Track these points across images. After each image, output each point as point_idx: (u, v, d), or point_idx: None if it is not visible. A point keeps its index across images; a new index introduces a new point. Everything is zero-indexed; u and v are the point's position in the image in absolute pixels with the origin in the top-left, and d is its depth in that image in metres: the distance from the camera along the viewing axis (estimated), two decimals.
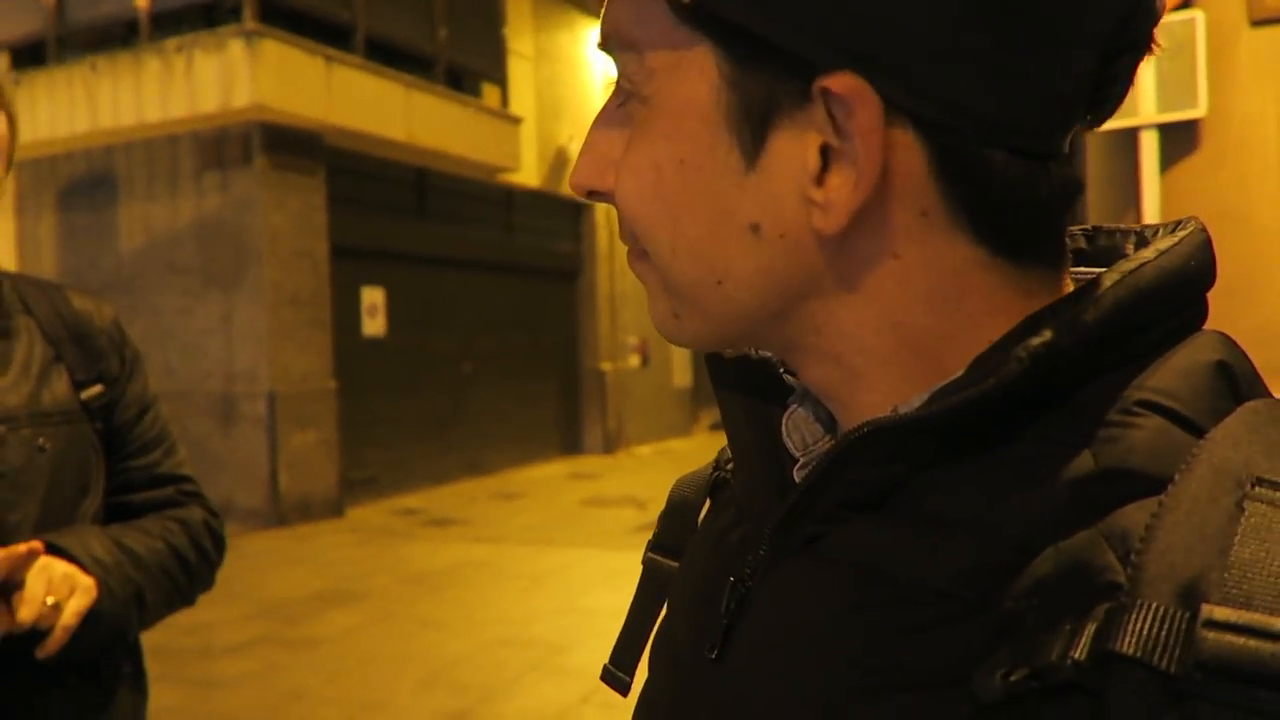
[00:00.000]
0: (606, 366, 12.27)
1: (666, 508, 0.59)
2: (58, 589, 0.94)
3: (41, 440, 1.05)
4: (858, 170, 0.37)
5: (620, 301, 12.59)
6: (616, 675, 0.59)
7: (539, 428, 11.53)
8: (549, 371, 11.74)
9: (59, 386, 1.09)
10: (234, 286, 7.77)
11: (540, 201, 11.41)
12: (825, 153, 0.37)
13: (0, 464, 1.01)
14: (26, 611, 0.91)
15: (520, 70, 10.61)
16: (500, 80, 10.01)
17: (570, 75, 11.87)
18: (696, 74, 0.39)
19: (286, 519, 7.57)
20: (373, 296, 8.95)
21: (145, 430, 1.21)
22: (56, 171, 8.52)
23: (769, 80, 0.37)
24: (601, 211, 12.34)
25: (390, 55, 8.59)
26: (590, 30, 12.19)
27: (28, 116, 8.03)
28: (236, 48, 7.20)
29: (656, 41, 0.40)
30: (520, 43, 10.66)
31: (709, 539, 0.52)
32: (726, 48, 0.38)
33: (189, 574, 1.19)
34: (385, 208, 9.22)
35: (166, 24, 7.76)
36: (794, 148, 0.38)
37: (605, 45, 0.43)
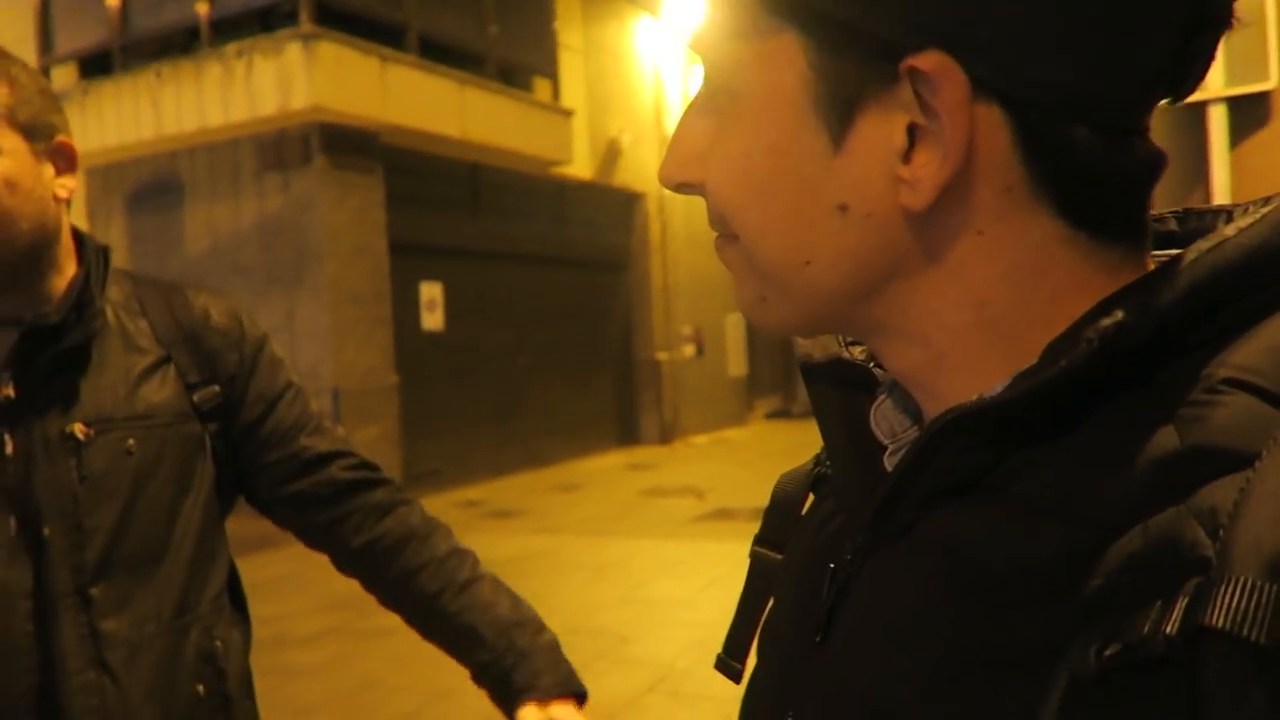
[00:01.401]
0: (662, 357, 12.29)
1: (770, 503, 0.61)
2: None
3: (131, 443, 1.06)
4: (944, 147, 0.37)
5: (674, 292, 12.59)
6: (729, 664, 0.61)
7: (595, 419, 11.60)
8: (604, 363, 11.79)
9: (163, 389, 1.10)
10: (296, 285, 7.93)
11: (592, 194, 11.44)
12: (911, 132, 0.38)
13: (83, 468, 1.02)
14: None
15: (571, 64, 10.64)
16: (551, 74, 10.06)
17: (620, 68, 11.87)
18: (784, 63, 0.40)
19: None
20: (431, 291, 9.08)
21: (281, 420, 1.19)
22: (125, 177, 8.78)
23: (856, 65, 0.38)
24: (654, 203, 12.35)
25: (443, 53, 8.69)
26: (638, 22, 12.16)
27: (96, 124, 8.29)
28: (294, 51, 7.34)
29: (744, 35, 0.41)
30: (570, 36, 10.69)
31: (810, 531, 0.54)
32: (813, 36, 0.39)
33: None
34: (441, 203, 9.33)
35: (226, 30, 7.93)
36: (881, 128, 0.39)
37: (696, 45, 0.44)
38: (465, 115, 8.63)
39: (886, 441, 0.48)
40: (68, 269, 1.08)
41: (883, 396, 0.49)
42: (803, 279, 0.43)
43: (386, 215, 8.31)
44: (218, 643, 1.13)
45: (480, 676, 1.15)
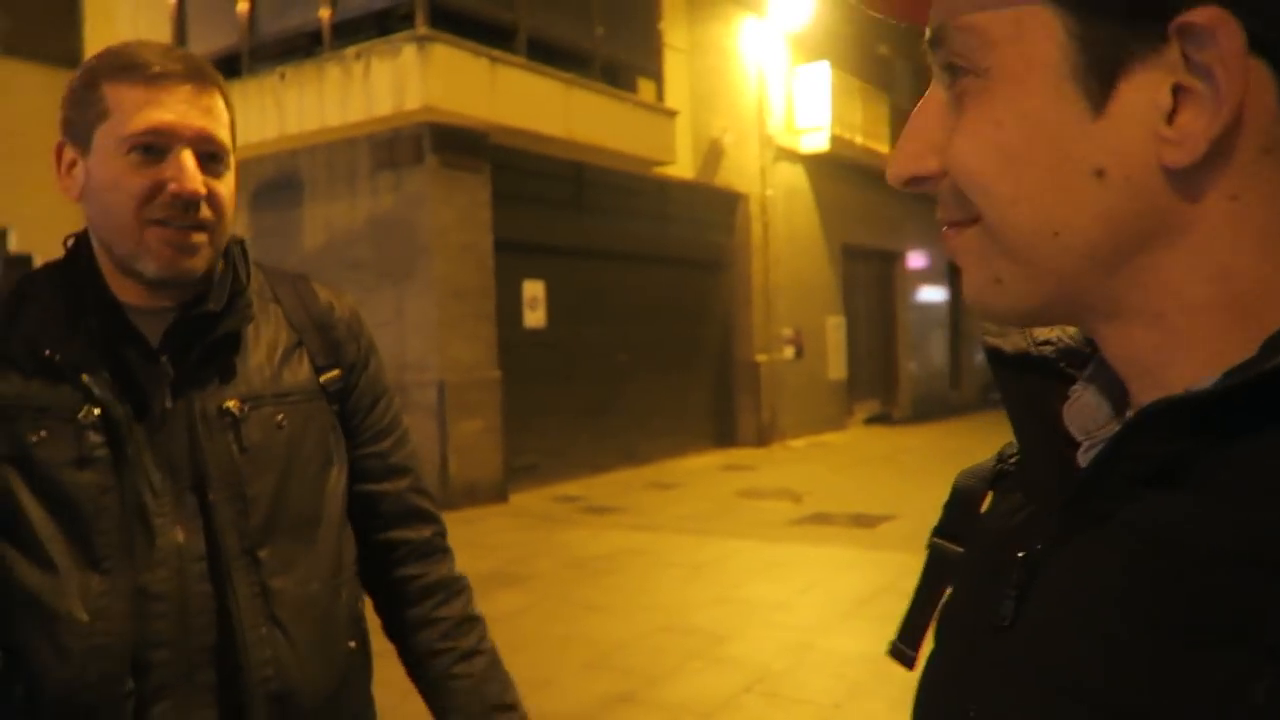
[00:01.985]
0: (760, 358, 12.21)
1: (950, 497, 0.62)
2: None
3: (280, 418, 1.13)
4: (1218, 100, 0.38)
5: (774, 293, 12.49)
6: (903, 651, 0.62)
7: (693, 419, 11.60)
8: (703, 363, 11.79)
9: (300, 369, 1.18)
10: (405, 280, 8.17)
11: (695, 193, 11.45)
12: (1175, 92, 0.39)
13: (242, 440, 1.09)
14: None
15: (675, 63, 10.67)
16: (655, 74, 10.11)
17: (724, 67, 11.84)
18: (1040, 35, 0.41)
19: (455, 503, 7.92)
20: (533, 289, 9.23)
21: (378, 419, 1.27)
22: (248, 175, 9.18)
23: (1117, 28, 0.39)
24: (756, 203, 12.27)
25: (550, 54, 8.82)
26: (743, 21, 12.11)
27: None
28: (409, 53, 7.56)
29: (998, 15, 0.42)
30: (675, 36, 10.72)
31: (994, 523, 0.55)
32: (1072, 6, 0.40)
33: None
34: (545, 202, 9.48)
35: (346, 33, 8.22)
36: (1145, 90, 0.39)
37: (935, 36, 0.45)
38: (570, 116, 8.74)
39: (1080, 438, 0.48)
40: (218, 265, 1.16)
41: (1079, 392, 0.49)
42: (1049, 250, 0.43)
43: (492, 213, 8.49)
44: (360, 604, 1.23)
45: None
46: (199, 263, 1.07)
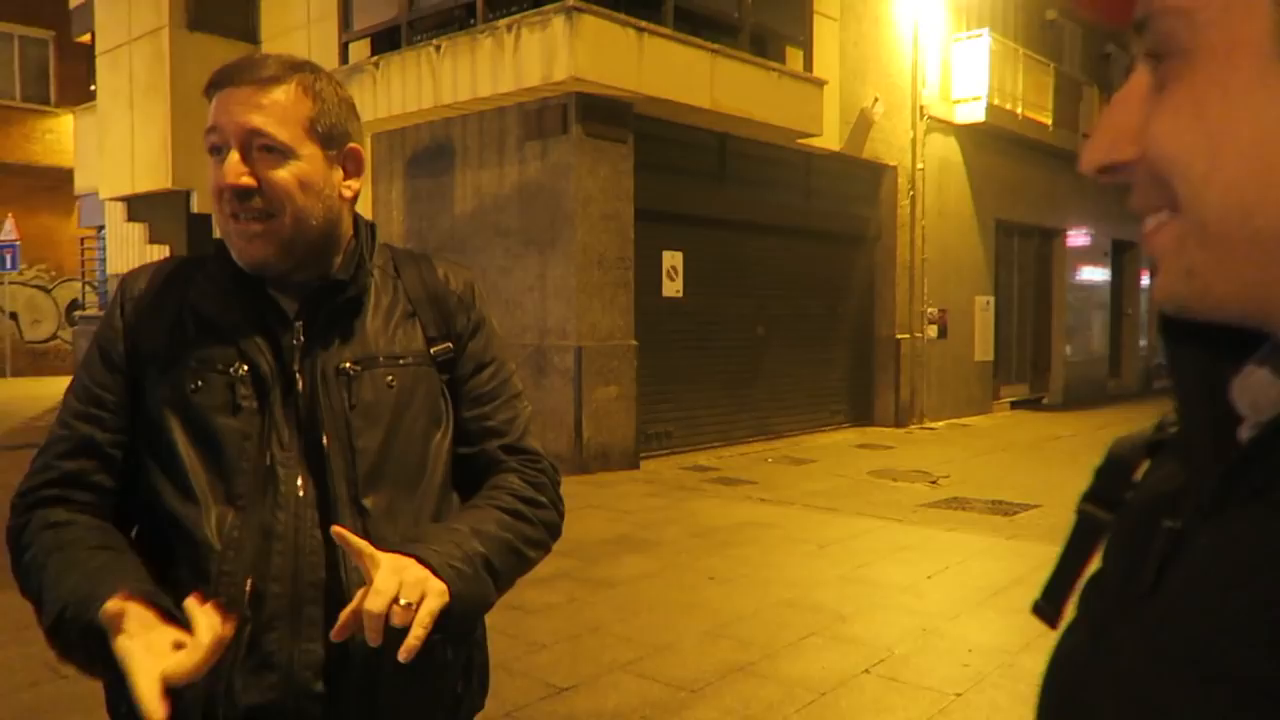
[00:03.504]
0: (902, 336, 11.90)
1: (1103, 463, 0.62)
2: (409, 593, 1.02)
3: (390, 378, 1.23)
4: None
5: (920, 270, 12.12)
6: (1046, 609, 0.62)
7: (830, 394, 11.45)
8: (842, 338, 11.59)
9: (413, 337, 1.28)
10: (549, 247, 8.38)
11: (841, 165, 11.21)
12: None
13: (352, 397, 1.20)
14: (375, 602, 0.99)
15: (825, 31, 10.42)
16: (805, 43, 9.91)
17: (876, 34, 11.49)
18: (1247, 13, 0.41)
19: (588, 467, 8.12)
20: (672, 259, 9.29)
21: (482, 384, 1.34)
22: (405, 142, 9.59)
23: None
24: (905, 176, 11.91)
25: (697, 22, 8.78)
26: None
27: (384, 94, 9.10)
28: (558, 24, 7.68)
29: None
30: (826, 3, 10.46)
31: (1146, 491, 0.55)
32: None
33: (536, 544, 1.30)
34: (687, 173, 9.49)
35: (499, 4, 8.43)
36: None
37: (1140, 22, 0.45)
38: (716, 86, 8.70)
39: (1247, 413, 0.47)
40: (346, 246, 1.27)
41: (1252, 367, 0.48)
42: (1245, 235, 0.43)
43: (635, 182, 8.57)
44: None
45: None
46: (262, 250, 1.17)
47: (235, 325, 1.20)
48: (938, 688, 3.66)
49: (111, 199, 12.60)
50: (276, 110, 1.15)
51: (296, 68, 1.20)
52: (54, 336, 19.56)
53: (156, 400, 1.19)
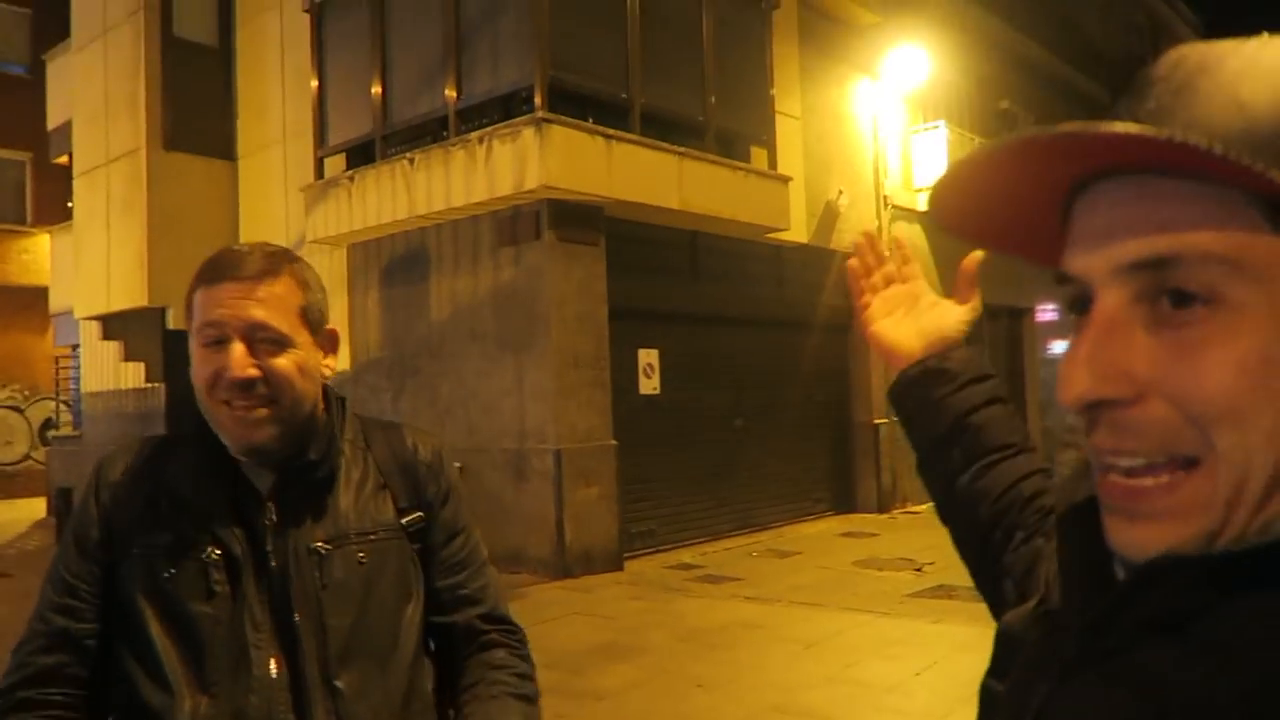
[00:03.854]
0: (880, 421, 11.98)
1: (996, 639, 0.63)
2: None
3: (361, 555, 1.26)
4: None
5: None
6: None
7: (811, 483, 11.44)
8: (821, 426, 11.65)
9: (383, 509, 1.31)
10: (525, 350, 8.44)
11: (810, 256, 11.44)
12: None
13: (325, 577, 1.22)
14: None
15: (788, 129, 10.77)
16: (769, 142, 10.23)
17: (838, 130, 11.88)
18: None
19: (571, 570, 8.03)
20: (648, 356, 9.37)
21: (455, 552, 1.38)
22: (380, 252, 9.72)
23: None
24: None
25: (663, 126, 9.05)
26: (857, 84, 12.14)
27: (359, 206, 9.27)
28: (528, 135, 7.91)
29: (1248, 245, 0.42)
30: (788, 103, 10.83)
31: (1028, 657, 0.57)
32: None
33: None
34: (660, 271, 9.66)
35: (470, 117, 8.68)
36: None
37: (1161, 261, 0.44)
38: (684, 187, 8.93)
39: (1122, 571, 0.49)
40: (319, 422, 1.31)
41: None
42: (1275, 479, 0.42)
43: (608, 283, 8.71)
44: None
45: None
46: (264, 435, 1.21)
47: (208, 507, 1.22)
48: None
49: (87, 317, 12.62)
50: (275, 303, 1.21)
51: (287, 259, 1.26)
52: (26, 458, 19.28)
53: (132, 587, 1.20)
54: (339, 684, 1.20)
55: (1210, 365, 0.42)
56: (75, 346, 14.87)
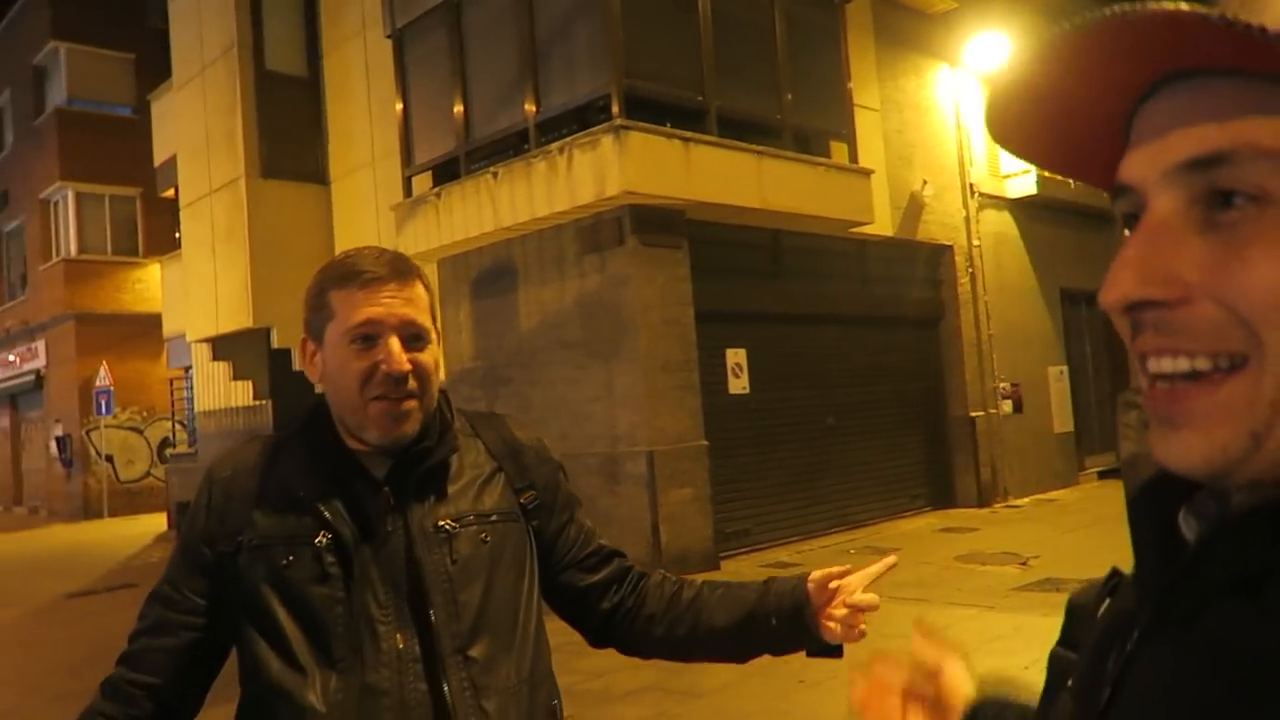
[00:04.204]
0: (977, 414, 11.71)
1: (1066, 611, 0.65)
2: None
3: (484, 535, 1.33)
4: None
5: (987, 346, 11.99)
6: None
7: (907, 479, 11.26)
8: (915, 421, 11.45)
9: (499, 492, 1.38)
10: (614, 356, 8.54)
11: (895, 250, 11.28)
12: None
13: (454, 554, 1.29)
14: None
15: (868, 122, 10.65)
16: (848, 136, 10.13)
17: (919, 120, 11.68)
18: None
19: (667, 571, 8.07)
20: (736, 356, 9.38)
21: (581, 521, 1.50)
22: (469, 266, 9.96)
23: None
24: (961, 254, 11.91)
25: (740, 127, 9.06)
26: (937, 72, 11.93)
27: (447, 222, 9.52)
28: (607, 143, 8.02)
29: None
30: (865, 96, 10.71)
31: (1104, 624, 0.57)
32: None
33: None
34: (743, 271, 9.65)
35: (549, 129, 8.83)
36: None
37: (1217, 158, 0.44)
38: (764, 186, 8.91)
39: (1191, 539, 0.49)
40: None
41: (1201, 499, 0.49)
42: None
43: (692, 286, 8.75)
44: (555, 702, 1.39)
45: (768, 604, 1.41)
46: (411, 426, 1.30)
47: (318, 496, 1.29)
48: None
49: (197, 340, 13.25)
50: (419, 303, 1.31)
51: (414, 264, 1.36)
52: (147, 475, 20.34)
53: (254, 577, 1.28)
54: (472, 654, 1.26)
55: (1259, 263, 0.41)
56: (188, 368, 15.63)
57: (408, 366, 1.26)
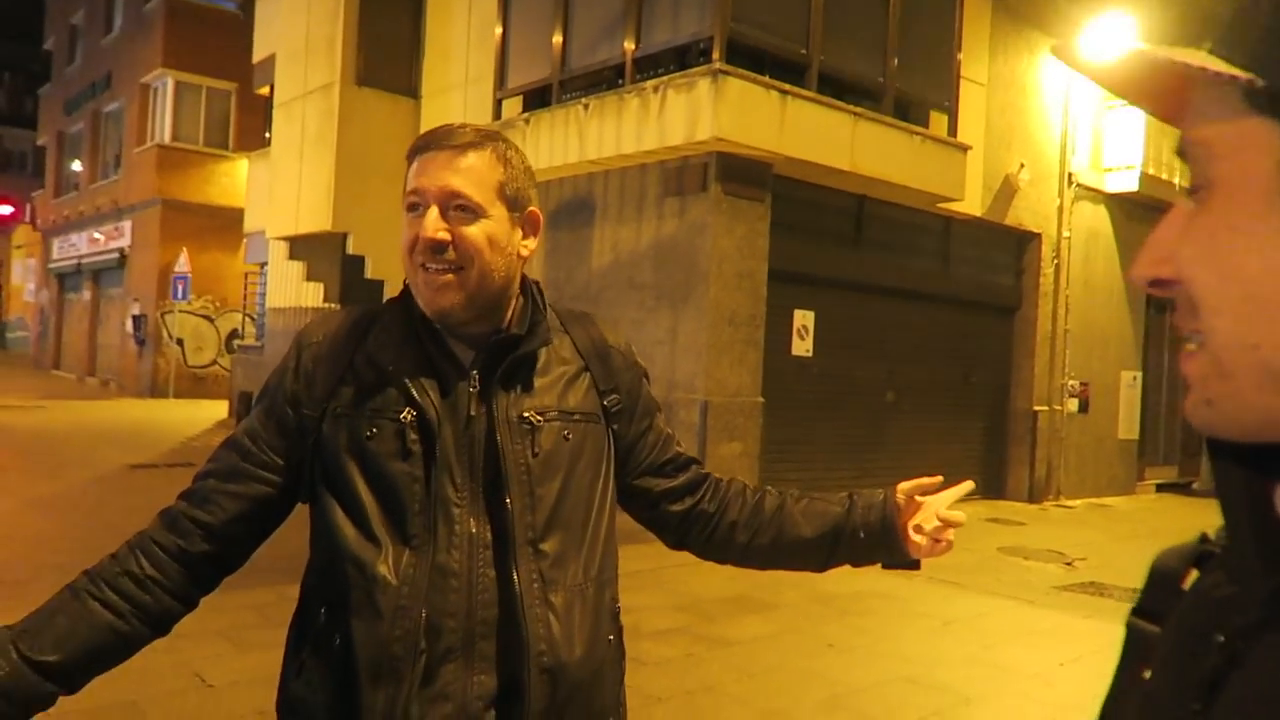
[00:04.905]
0: (1040, 409, 11.46)
1: (1149, 575, 0.62)
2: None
3: (567, 432, 1.32)
4: None
5: (1061, 341, 11.69)
6: None
7: (960, 465, 11.08)
8: (976, 408, 11.25)
9: (584, 392, 1.37)
10: (682, 304, 8.51)
11: (982, 232, 10.99)
12: None
13: (536, 446, 1.28)
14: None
15: (972, 96, 10.31)
16: (950, 108, 9.83)
17: (1024, 102, 11.28)
18: (1258, 151, 0.44)
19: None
20: (803, 318, 9.27)
21: (660, 432, 1.49)
22: (549, 196, 9.96)
23: None
24: (1049, 244, 11.57)
25: (841, 87, 8.85)
26: (1049, 54, 11.47)
27: (531, 149, 9.50)
28: (704, 86, 7.89)
29: (1223, 130, 0.46)
30: (974, 69, 10.36)
31: (1194, 602, 0.55)
32: None
33: None
34: (823, 234, 9.50)
35: (646, 66, 8.72)
36: None
37: (1179, 149, 0.49)
38: (856, 149, 8.72)
39: None
40: (515, 302, 1.37)
41: None
42: (1251, 365, 0.44)
43: (770, 243, 8.64)
44: (618, 605, 1.40)
45: (855, 518, 1.50)
46: (449, 300, 1.27)
47: (406, 373, 1.28)
48: None
49: (276, 238, 13.51)
50: (472, 174, 1.27)
51: (491, 136, 1.32)
52: (214, 363, 20.97)
53: (336, 445, 1.28)
54: (544, 547, 1.27)
55: (1195, 244, 0.45)
56: (263, 265, 15.97)
57: (439, 236, 1.24)
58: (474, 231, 1.26)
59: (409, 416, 1.26)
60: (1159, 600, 0.59)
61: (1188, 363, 0.49)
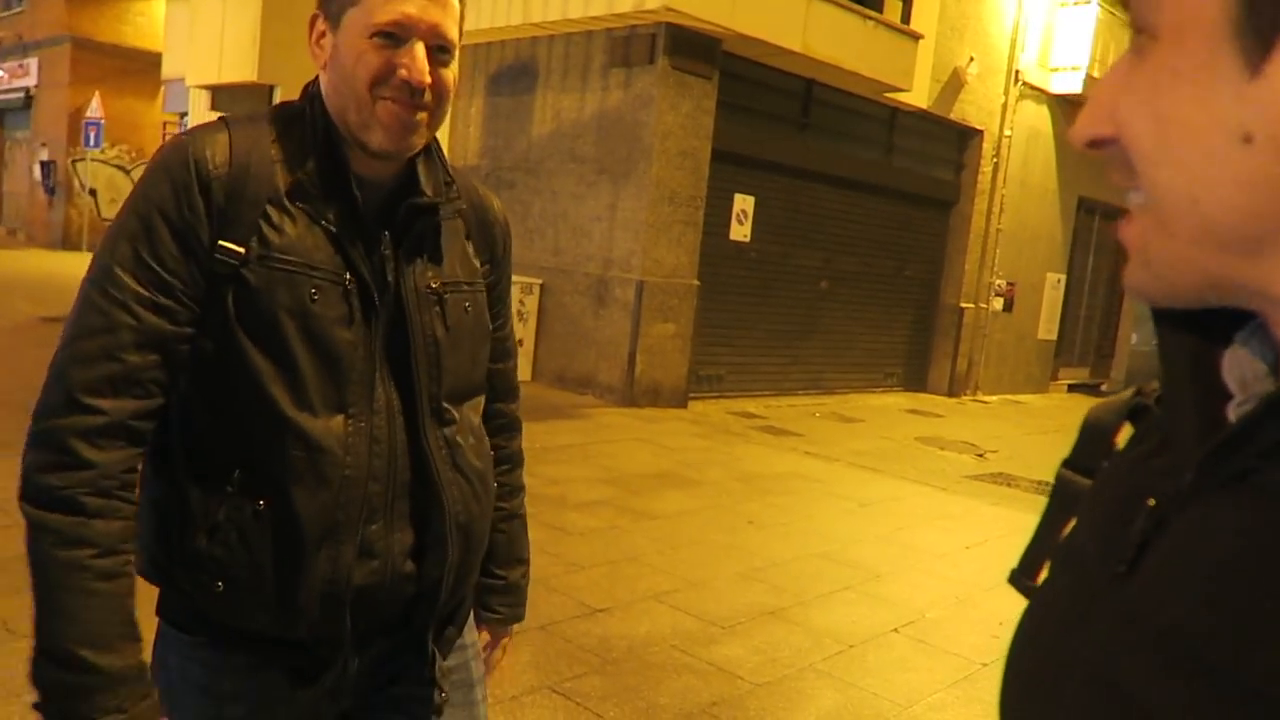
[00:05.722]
0: (967, 305, 11.72)
1: (1082, 428, 0.61)
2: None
3: (467, 304, 1.30)
4: None
5: (993, 240, 11.87)
6: (1022, 581, 0.61)
7: (886, 356, 11.35)
8: (906, 301, 11.45)
9: (471, 260, 1.33)
10: (623, 179, 8.34)
11: (926, 124, 10.94)
12: None
13: (447, 319, 1.26)
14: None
15: None
16: None
17: None
18: None
19: (637, 401, 8.20)
20: (743, 203, 9.21)
21: (504, 307, 1.46)
22: (489, 59, 9.55)
23: None
24: (990, 141, 11.60)
25: None
26: None
27: (473, 7, 9.03)
28: None
29: None
30: None
31: (1127, 462, 0.54)
32: None
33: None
34: (769, 117, 9.35)
35: None
36: None
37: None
38: (809, 30, 8.50)
39: (1235, 391, 0.46)
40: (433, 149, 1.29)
41: (1236, 345, 0.47)
42: (1191, 218, 0.42)
43: (715, 122, 8.47)
44: (494, 452, 1.43)
45: (495, 579, 1.53)
46: (418, 140, 1.20)
47: (336, 228, 1.18)
48: (965, 655, 3.70)
49: (197, 86, 12.76)
50: (452, 13, 1.18)
51: None
52: None
53: (272, 302, 1.15)
54: (447, 414, 1.27)
55: (1135, 94, 0.43)
56: (183, 115, 15.13)
57: (429, 79, 1.15)
58: (448, 74, 1.18)
59: (350, 282, 1.18)
60: (1090, 454, 0.59)
61: (1126, 228, 0.46)
